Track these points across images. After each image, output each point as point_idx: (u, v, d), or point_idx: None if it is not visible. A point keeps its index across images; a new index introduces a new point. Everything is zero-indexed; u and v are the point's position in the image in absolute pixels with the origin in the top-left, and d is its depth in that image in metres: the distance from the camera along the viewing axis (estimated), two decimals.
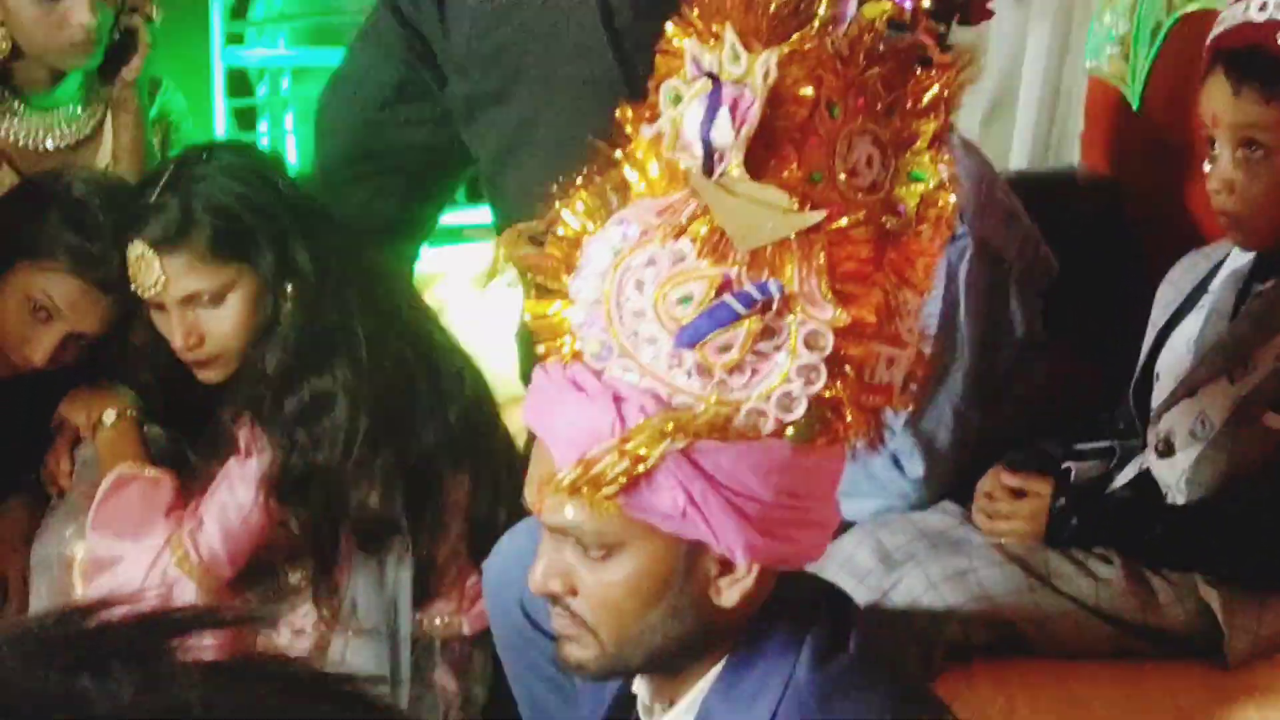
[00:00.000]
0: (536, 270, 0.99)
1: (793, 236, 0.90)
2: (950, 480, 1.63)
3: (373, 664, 1.57)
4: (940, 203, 0.95)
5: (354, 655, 1.59)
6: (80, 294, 1.60)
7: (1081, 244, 1.89)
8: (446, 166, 1.94)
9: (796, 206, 0.89)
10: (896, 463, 1.62)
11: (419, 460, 1.58)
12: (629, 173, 0.97)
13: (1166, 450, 1.52)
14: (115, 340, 1.67)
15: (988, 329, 1.65)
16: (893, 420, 1.46)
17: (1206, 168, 1.51)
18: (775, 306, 0.90)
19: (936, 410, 1.61)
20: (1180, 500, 1.50)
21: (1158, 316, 1.65)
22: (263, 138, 2.70)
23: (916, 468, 1.62)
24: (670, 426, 0.90)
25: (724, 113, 0.90)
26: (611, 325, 0.92)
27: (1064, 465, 1.60)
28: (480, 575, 1.52)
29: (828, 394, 0.92)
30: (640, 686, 1.04)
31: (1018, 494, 1.51)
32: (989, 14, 1.73)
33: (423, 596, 1.62)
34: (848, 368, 0.92)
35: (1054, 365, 1.76)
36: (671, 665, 1.00)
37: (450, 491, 1.62)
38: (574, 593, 0.96)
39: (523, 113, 1.70)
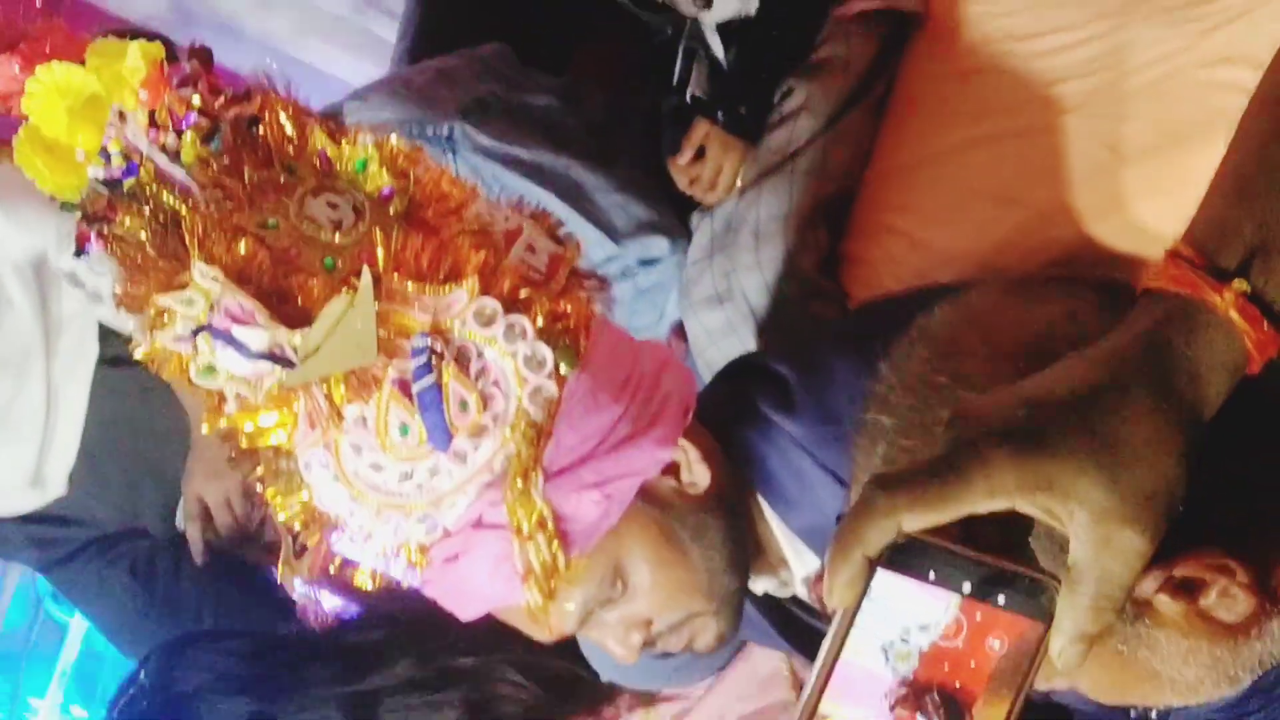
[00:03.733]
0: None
1: (365, 301, 0.93)
2: None
3: None
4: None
5: None
6: None
7: None
8: None
9: (347, 300, 0.91)
10: None
11: None
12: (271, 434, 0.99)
13: None
14: None
15: None
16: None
17: None
18: (439, 349, 0.93)
19: None
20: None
21: None
22: None
23: None
24: (520, 485, 0.94)
25: (235, 338, 0.91)
26: (400, 508, 0.94)
27: None
28: None
29: (541, 321, 0.96)
30: (761, 583, 1.09)
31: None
32: None
33: None
34: (523, 295, 0.96)
35: None
36: (745, 553, 1.05)
37: None
38: (649, 624, 1.01)
39: None
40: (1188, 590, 0.67)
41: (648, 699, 1.40)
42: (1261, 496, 0.72)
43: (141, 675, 1.37)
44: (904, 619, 0.61)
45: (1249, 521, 0.69)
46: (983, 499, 0.60)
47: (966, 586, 0.61)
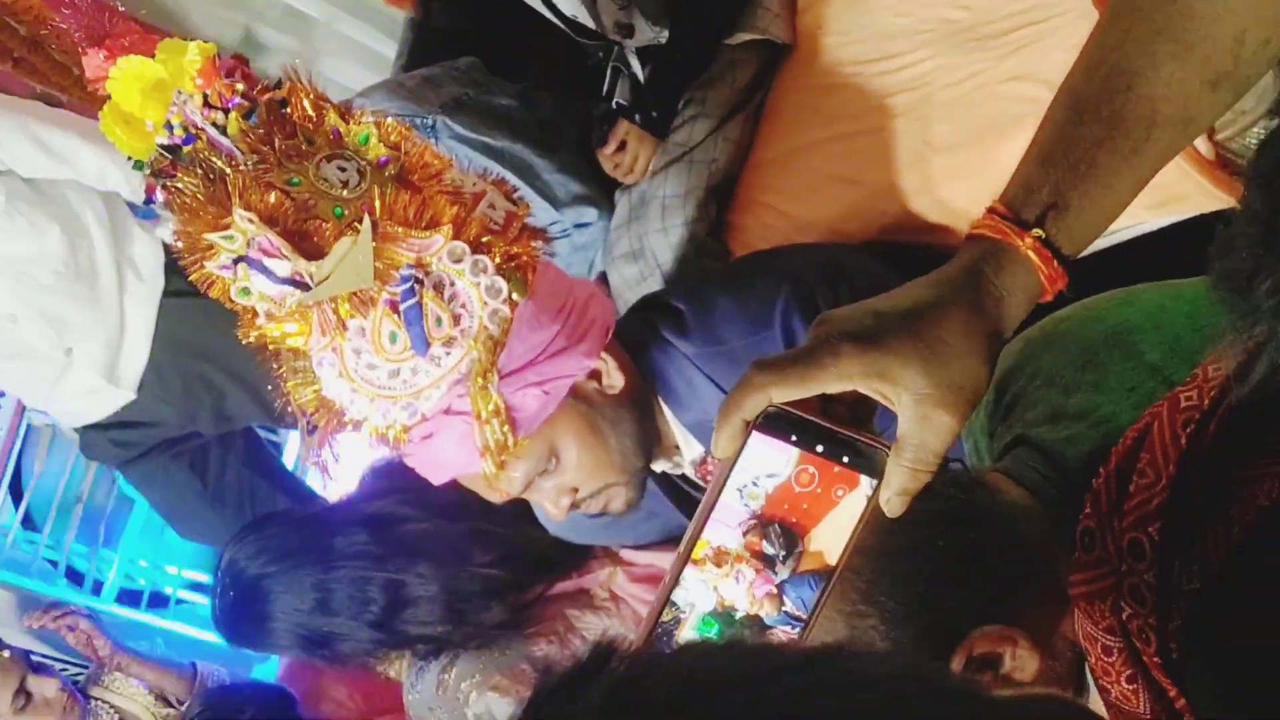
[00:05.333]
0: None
1: (365, 241, 1.19)
2: None
3: None
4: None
5: None
6: None
7: None
8: None
9: (351, 239, 1.18)
10: None
11: None
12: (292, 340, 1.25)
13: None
14: None
15: None
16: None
17: None
18: (420, 278, 1.18)
19: None
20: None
21: None
22: None
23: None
24: (480, 382, 1.20)
25: (265, 267, 1.18)
26: (389, 398, 1.21)
27: None
28: None
29: (499, 260, 1.22)
30: (660, 464, 1.38)
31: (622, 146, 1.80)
32: None
33: None
34: (485, 240, 1.23)
35: None
36: (649, 440, 1.32)
37: None
38: (575, 491, 1.28)
39: None
40: (989, 665, 0.78)
41: (614, 558, 1.67)
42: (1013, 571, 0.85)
43: (219, 573, 1.63)
44: (756, 469, 0.71)
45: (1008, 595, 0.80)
46: (833, 382, 0.69)
47: (820, 448, 0.70)
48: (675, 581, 0.72)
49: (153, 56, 1.22)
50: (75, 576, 3.07)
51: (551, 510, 1.29)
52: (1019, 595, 0.90)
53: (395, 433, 1.23)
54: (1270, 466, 0.81)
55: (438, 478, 1.26)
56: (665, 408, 1.34)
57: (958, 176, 1.46)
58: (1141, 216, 1.39)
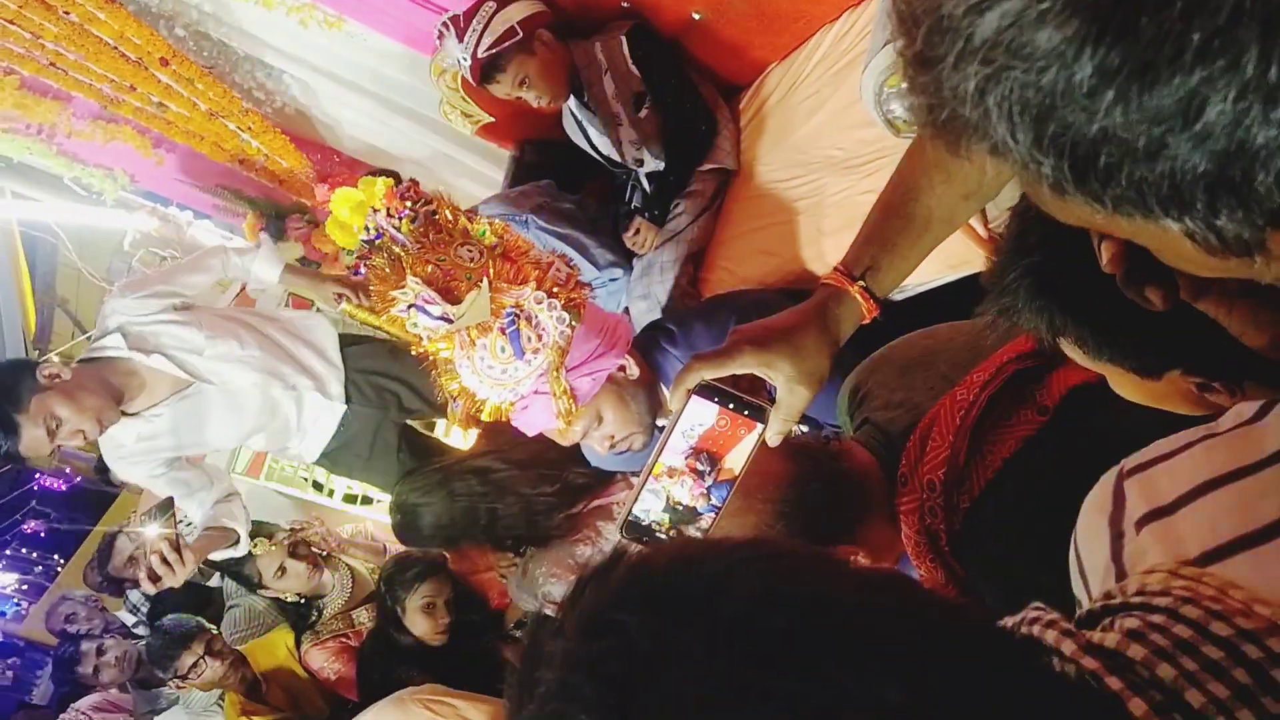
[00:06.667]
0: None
1: (485, 293, 1.97)
2: None
3: None
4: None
5: None
6: None
7: None
8: None
9: (477, 292, 1.97)
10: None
11: None
12: (444, 353, 2.03)
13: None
14: None
15: None
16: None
17: None
18: (518, 315, 1.94)
19: None
20: None
21: None
22: None
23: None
24: (555, 375, 1.92)
25: (426, 309, 1.96)
26: (502, 385, 1.97)
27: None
28: None
29: (563, 302, 1.97)
30: (660, 421, 2.12)
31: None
32: None
33: None
34: (554, 290, 2.01)
35: None
36: (656, 407, 2.01)
37: None
38: (612, 438, 1.97)
39: None
40: None
41: (626, 481, 2.39)
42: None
43: (392, 502, 2.71)
44: (693, 419, 0.96)
45: None
46: (739, 368, 0.93)
47: (732, 405, 0.94)
48: (644, 485, 0.98)
49: (355, 186, 2.00)
50: (318, 486, 4.60)
51: (599, 449, 1.98)
52: (862, 523, 1.15)
53: (506, 407, 1.99)
54: (1011, 431, 1.05)
55: (531, 432, 1.97)
56: (663, 389, 2.02)
57: (836, 250, 1.71)
58: (943, 272, 1.85)
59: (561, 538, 2.34)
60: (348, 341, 2.78)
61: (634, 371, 1.96)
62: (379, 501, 4.52)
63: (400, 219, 1.98)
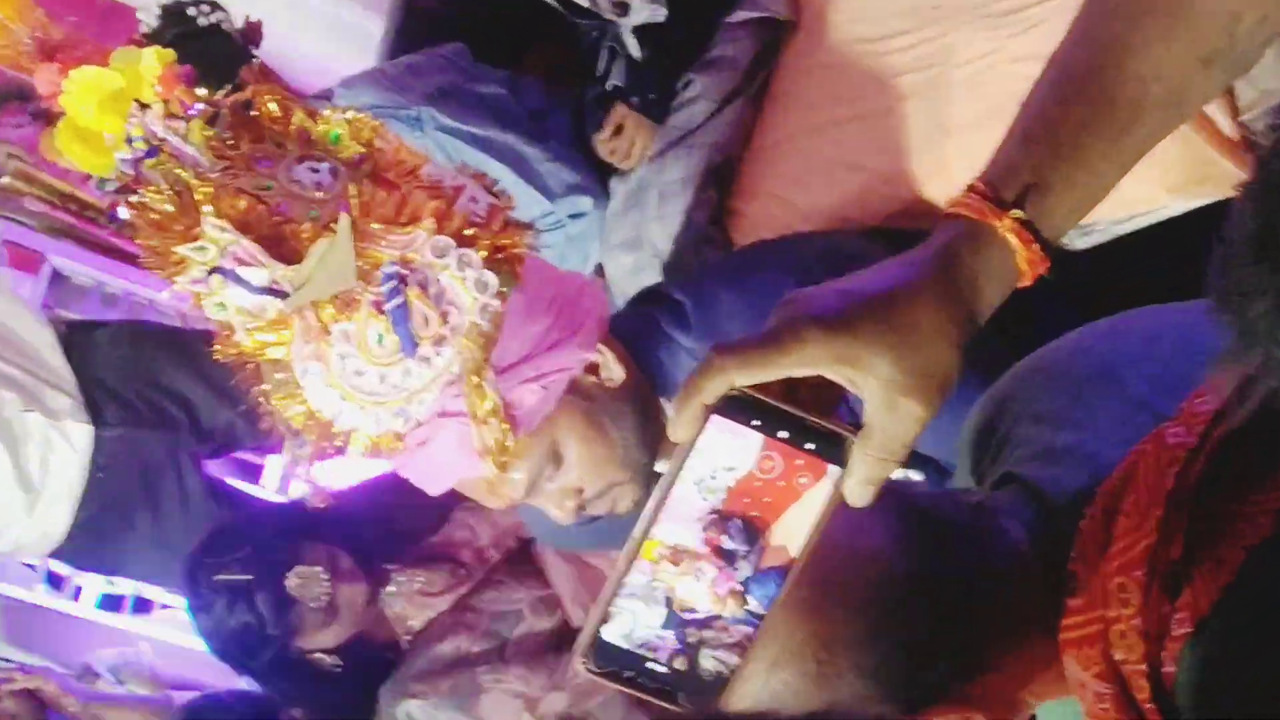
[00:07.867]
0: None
1: (344, 241, 1.15)
2: None
3: None
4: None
5: None
6: None
7: None
8: None
9: (329, 240, 1.15)
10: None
11: None
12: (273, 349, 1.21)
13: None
14: None
15: None
16: None
17: None
18: (404, 276, 1.15)
19: None
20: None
21: None
22: None
23: None
24: (474, 380, 1.16)
25: (241, 276, 1.14)
26: (380, 404, 1.17)
27: None
28: None
29: (485, 253, 1.18)
30: (661, 465, 1.33)
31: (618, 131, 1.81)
32: None
33: None
34: (469, 233, 1.20)
35: None
36: (654, 435, 1.27)
37: None
38: (580, 492, 1.24)
39: None
40: None
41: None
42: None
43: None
44: (715, 460, 0.69)
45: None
46: (797, 366, 0.68)
47: (783, 434, 0.68)
48: (624, 576, 0.69)
49: (107, 65, 1.20)
50: (55, 581, 3.04)
51: (557, 515, 1.25)
52: (1002, 653, 0.89)
53: (388, 441, 1.19)
54: (1262, 503, 0.78)
55: (436, 487, 1.22)
56: (665, 404, 1.30)
57: (971, 160, 1.47)
58: (1161, 200, 1.37)
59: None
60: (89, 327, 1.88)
61: (614, 373, 1.28)
62: (166, 607, 3.11)
63: (189, 119, 1.22)
